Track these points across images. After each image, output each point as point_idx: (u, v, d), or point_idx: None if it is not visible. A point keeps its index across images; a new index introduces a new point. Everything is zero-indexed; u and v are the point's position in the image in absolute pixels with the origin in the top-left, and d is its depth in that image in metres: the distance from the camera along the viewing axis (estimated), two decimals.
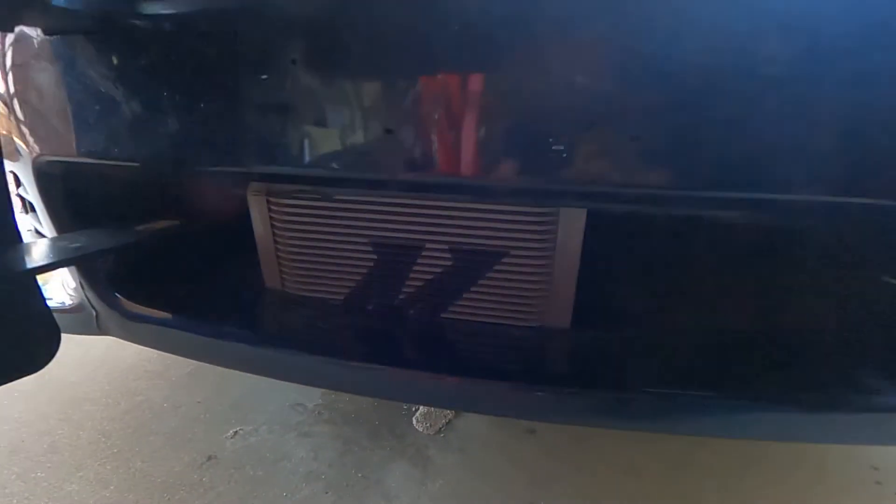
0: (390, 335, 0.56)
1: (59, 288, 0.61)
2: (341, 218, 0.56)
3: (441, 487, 0.88)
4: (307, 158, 0.43)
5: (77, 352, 1.22)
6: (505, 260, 0.55)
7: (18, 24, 0.46)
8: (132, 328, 0.59)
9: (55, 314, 0.54)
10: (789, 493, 0.87)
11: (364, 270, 0.59)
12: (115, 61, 0.45)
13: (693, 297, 0.59)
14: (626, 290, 0.62)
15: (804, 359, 0.51)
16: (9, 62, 0.49)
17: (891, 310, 0.51)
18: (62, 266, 0.47)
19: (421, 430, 1.01)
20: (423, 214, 0.53)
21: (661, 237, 0.58)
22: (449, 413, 1.06)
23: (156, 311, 0.59)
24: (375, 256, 0.58)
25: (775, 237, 0.57)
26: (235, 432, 1.00)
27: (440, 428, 1.02)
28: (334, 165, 0.42)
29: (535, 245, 0.53)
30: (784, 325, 0.55)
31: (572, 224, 0.52)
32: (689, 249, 0.61)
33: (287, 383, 0.92)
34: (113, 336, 0.62)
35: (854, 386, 0.44)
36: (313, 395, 1.10)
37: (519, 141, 0.39)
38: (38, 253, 0.46)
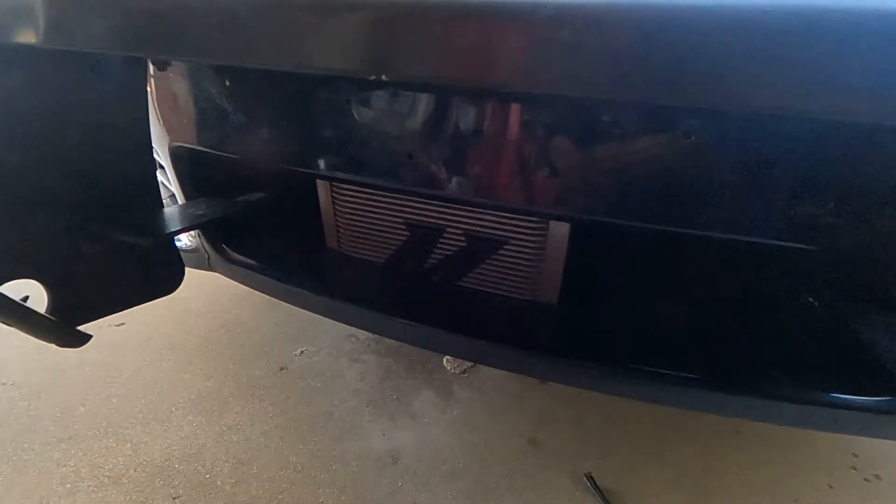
0: (414, 294, 0.73)
1: (185, 235, 0.83)
2: (384, 202, 0.73)
3: (457, 415, 1.08)
4: (356, 168, 0.59)
5: (189, 277, 1.53)
6: (506, 245, 0.70)
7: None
8: (230, 269, 0.81)
9: (181, 253, 0.77)
10: (774, 473, 0.98)
11: (399, 242, 0.76)
12: (225, 84, 0.63)
13: (651, 285, 0.70)
14: (604, 279, 0.74)
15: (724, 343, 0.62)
16: (153, 79, 0.68)
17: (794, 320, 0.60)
18: (189, 230, 0.68)
19: (449, 368, 1.21)
20: (442, 208, 0.68)
21: (622, 240, 0.69)
22: None
23: (247, 258, 0.80)
24: (407, 233, 0.74)
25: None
26: (302, 351, 1.25)
27: (465, 370, 1.21)
28: (376, 175, 0.58)
29: (530, 235, 0.67)
30: (720, 317, 0.65)
31: (559, 226, 0.65)
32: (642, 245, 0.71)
33: None
34: (217, 272, 0.84)
35: (758, 374, 0.55)
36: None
37: (505, 172, 0.52)
38: (173, 218, 0.67)
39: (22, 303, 0.58)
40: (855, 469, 0.99)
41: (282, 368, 1.20)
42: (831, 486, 0.95)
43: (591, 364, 0.65)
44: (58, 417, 1.02)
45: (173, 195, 0.77)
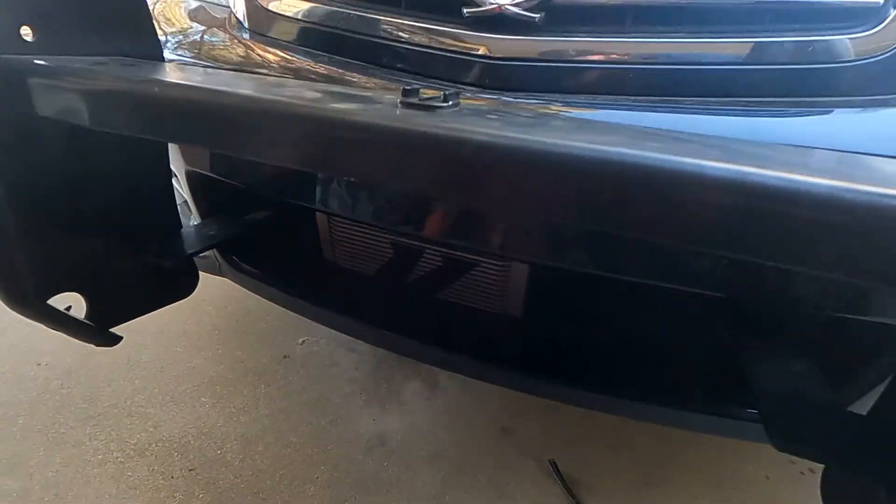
0: (390, 306, 0.84)
1: None
2: (373, 229, 0.83)
3: (441, 404, 1.20)
4: (346, 208, 0.69)
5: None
6: (476, 266, 0.80)
7: None
8: (237, 276, 0.92)
9: (196, 261, 0.88)
10: (719, 464, 1.10)
11: (384, 259, 0.86)
12: None
13: (598, 305, 0.81)
14: (562, 301, 0.84)
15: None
16: None
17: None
18: (204, 251, 0.79)
19: None
20: (420, 241, 0.79)
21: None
22: None
23: (251, 268, 0.91)
24: (391, 251, 0.85)
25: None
26: (304, 341, 1.38)
27: None
28: (363, 215, 0.69)
29: (496, 259, 0.77)
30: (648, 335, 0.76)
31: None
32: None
33: None
34: (227, 278, 0.96)
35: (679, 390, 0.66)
36: None
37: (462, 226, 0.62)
38: (189, 240, 0.78)
39: (66, 311, 0.70)
40: (793, 462, 1.11)
41: (285, 356, 1.32)
42: (768, 478, 1.07)
43: (537, 374, 0.76)
44: (87, 396, 1.16)
45: (186, 202, 0.87)
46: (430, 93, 0.45)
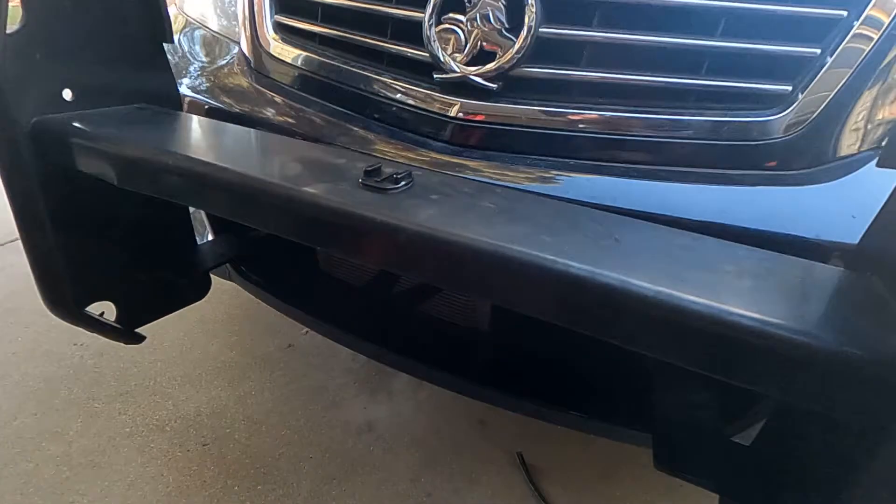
0: (373, 317, 0.96)
1: None
2: None
3: (426, 396, 1.33)
4: None
5: None
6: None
7: None
8: (245, 284, 1.05)
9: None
10: None
11: (369, 274, 0.98)
12: None
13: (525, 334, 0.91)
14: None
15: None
16: None
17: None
18: (216, 267, 0.92)
19: None
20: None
21: None
22: None
23: (256, 276, 1.04)
24: (372, 272, 0.97)
25: None
26: (307, 331, 1.52)
27: None
28: None
29: None
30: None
31: None
32: None
33: None
34: (236, 284, 1.09)
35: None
36: None
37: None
38: (204, 257, 0.91)
39: (99, 317, 0.84)
40: None
41: (289, 345, 1.47)
42: None
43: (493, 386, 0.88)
44: (117, 375, 1.32)
45: (202, 220, 1.00)
46: (388, 171, 0.56)
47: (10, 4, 0.62)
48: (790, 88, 0.63)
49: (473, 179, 0.68)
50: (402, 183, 0.56)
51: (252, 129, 0.73)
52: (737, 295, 0.41)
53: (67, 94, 0.70)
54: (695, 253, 0.49)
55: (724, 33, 0.63)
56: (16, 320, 1.49)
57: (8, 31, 0.62)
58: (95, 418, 1.20)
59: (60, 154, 0.66)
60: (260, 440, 1.18)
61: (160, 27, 0.78)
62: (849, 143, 0.62)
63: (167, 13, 0.79)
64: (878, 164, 0.48)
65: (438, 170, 0.71)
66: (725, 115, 0.65)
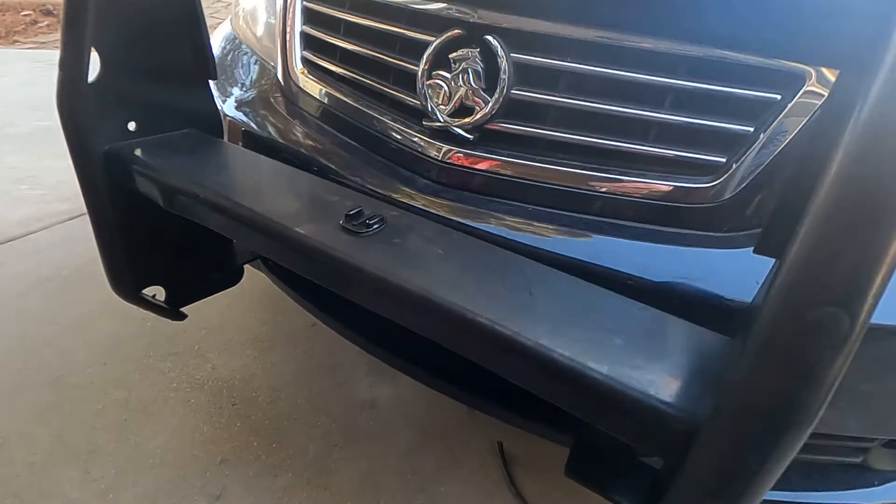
0: (366, 321, 1.12)
1: None
2: None
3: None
4: None
5: None
6: None
7: None
8: (271, 276, 1.23)
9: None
10: None
11: None
12: None
13: None
14: None
15: None
16: None
17: None
18: (249, 262, 1.11)
19: None
20: None
21: None
22: None
23: (279, 271, 1.22)
24: None
25: None
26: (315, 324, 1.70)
27: None
28: None
29: None
30: None
31: None
32: None
33: None
34: (263, 273, 1.27)
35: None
36: None
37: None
38: (238, 252, 1.09)
39: (152, 298, 1.05)
40: None
41: (313, 325, 1.66)
42: None
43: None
44: (168, 337, 1.57)
45: None
46: (367, 213, 0.70)
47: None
48: (724, 160, 0.71)
49: (441, 220, 0.79)
50: (375, 226, 0.69)
51: (272, 161, 0.88)
52: (601, 351, 0.52)
53: (132, 126, 0.88)
54: (593, 310, 0.60)
55: (670, 107, 0.72)
56: (95, 283, 1.76)
57: (89, 81, 0.80)
58: (150, 372, 1.45)
59: (123, 177, 0.84)
60: (279, 406, 1.39)
61: (206, 67, 0.94)
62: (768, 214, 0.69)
63: (212, 55, 0.95)
64: (754, 251, 0.56)
65: (424, 202, 0.84)
66: (667, 179, 0.74)
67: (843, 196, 0.34)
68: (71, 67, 0.77)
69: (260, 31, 1.22)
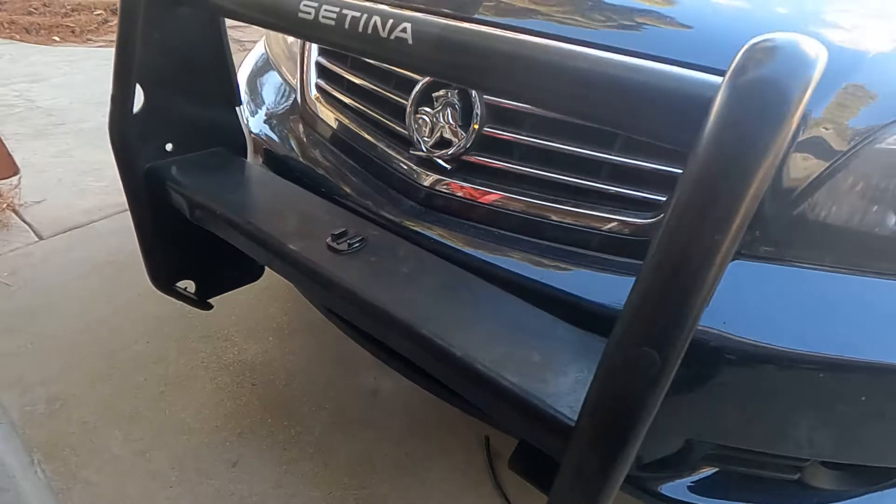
0: None
1: None
2: None
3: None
4: None
5: None
6: None
7: None
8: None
9: None
10: None
11: None
12: None
13: None
14: None
15: None
16: None
17: None
18: None
19: None
20: None
21: None
22: None
23: None
24: None
25: None
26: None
27: None
28: None
29: None
30: None
31: None
32: None
33: None
34: None
35: None
36: None
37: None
38: None
39: (184, 290, 1.22)
40: None
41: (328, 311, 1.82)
42: None
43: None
44: (203, 322, 1.76)
45: None
46: (351, 232, 0.83)
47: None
48: (665, 198, 0.79)
49: (422, 239, 0.91)
50: (356, 245, 0.82)
51: (281, 180, 1.03)
52: (518, 365, 0.63)
53: (169, 147, 1.05)
54: (524, 328, 0.70)
55: (619, 149, 0.80)
56: (144, 269, 2.00)
57: (134, 112, 0.96)
58: (185, 352, 1.65)
59: (161, 191, 1.01)
60: (292, 388, 1.56)
61: (232, 97, 1.09)
62: None
63: (238, 85, 1.10)
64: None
65: (408, 223, 0.95)
66: (616, 213, 0.82)
67: (660, 265, 0.43)
68: (119, 101, 0.94)
69: (285, 53, 1.37)
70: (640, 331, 0.44)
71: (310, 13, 0.68)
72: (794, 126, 0.40)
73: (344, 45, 0.72)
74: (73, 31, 5.08)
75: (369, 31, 0.63)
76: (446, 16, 0.72)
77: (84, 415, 1.43)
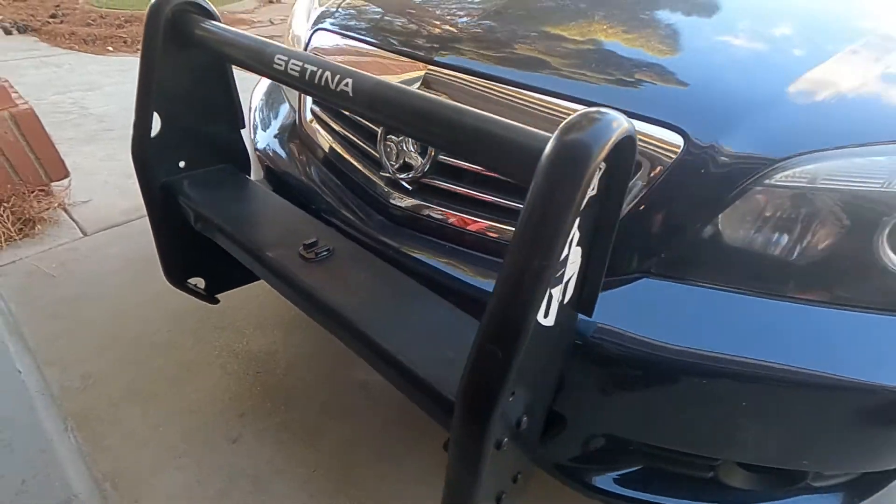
0: None
1: None
2: None
3: None
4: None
5: None
6: None
7: None
8: None
9: None
10: None
11: None
12: None
13: None
14: None
15: None
16: None
17: None
18: None
19: None
20: None
21: None
22: None
23: None
24: None
25: None
26: None
27: None
28: None
29: None
30: None
31: None
32: None
33: None
34: None
35: None
36: None
37: None
38: None
39: (195, 287, 1.41)
40: None
41: None
42: None
43: None
44: (218, 315, 1.96)
45: None
46: (321, 244, 0.98)
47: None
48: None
49: (387, 249, 1.05)
50: (324, 254, 0.97)
51: (272, 194, 1.19)
52: (432, 361, 0.76)
53: (182, 164, 1.23)
54: (450, 331, 0.83)
55: None
56: None
57: (152, 136, 1.15)
58: (201, 340, 1.85)
59: (174, 203, 1.19)
60: (292, 378, 1.73)
61: (236, 119, 1.27)
62: (623, 264, 0.87)
63: (241, 110, 1.27)
64: None
65: (377, 235, 1.10)
66: None
67: (504, 279, 0.56)
68: (140, 127, 1.12)
69: None
70: (489, 331, 0.57)
71: (281, 65, 0.83)
72: (595, 175, 0.52)
73: (306, 91, 0.88)
74: (125, 42, 5.49)
75: (323, 82, 0.77)
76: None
77: (111, 392, 1.64)
